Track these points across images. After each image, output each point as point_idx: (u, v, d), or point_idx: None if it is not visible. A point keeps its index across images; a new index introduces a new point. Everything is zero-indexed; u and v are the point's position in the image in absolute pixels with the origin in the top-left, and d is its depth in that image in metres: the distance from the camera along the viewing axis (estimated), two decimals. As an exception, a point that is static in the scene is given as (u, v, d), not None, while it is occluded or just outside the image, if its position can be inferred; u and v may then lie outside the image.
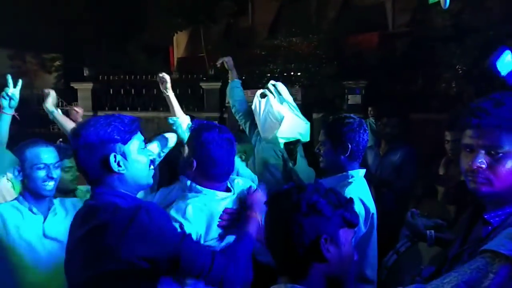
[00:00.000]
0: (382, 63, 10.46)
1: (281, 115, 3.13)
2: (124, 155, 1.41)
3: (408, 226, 1.86)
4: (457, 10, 9.09)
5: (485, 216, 1.21)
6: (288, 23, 11.71)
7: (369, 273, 1.98)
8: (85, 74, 12.24)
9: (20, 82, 2.48)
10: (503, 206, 1.20)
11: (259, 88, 10.47)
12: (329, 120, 2.29)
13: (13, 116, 2.41)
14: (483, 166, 1.20)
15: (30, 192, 2.06)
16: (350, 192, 1.96)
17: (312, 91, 10.03)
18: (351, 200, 1.25)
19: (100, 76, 11.73)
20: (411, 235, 1.84)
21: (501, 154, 1.17)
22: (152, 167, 1.51)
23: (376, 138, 4.51)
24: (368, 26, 12.22)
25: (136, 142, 1.45)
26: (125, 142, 1.42)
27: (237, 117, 3.57)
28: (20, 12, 12.79)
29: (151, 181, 1.52)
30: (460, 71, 9.62)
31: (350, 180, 2.05)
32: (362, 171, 2.13)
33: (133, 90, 11.46)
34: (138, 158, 1.45)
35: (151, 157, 1.50)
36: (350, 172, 2.08)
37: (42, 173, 2.01)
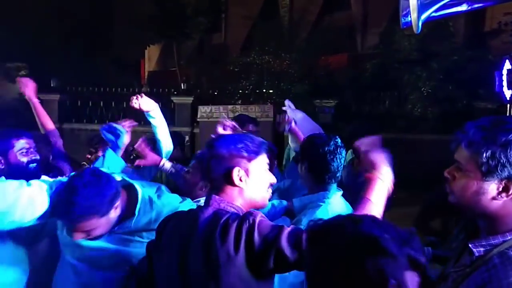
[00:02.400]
0: (352, 83, 10.73)
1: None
2: (247, 172, 1.49)
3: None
4: (423, 35, 9.47)
5: (470, 245, 1.20)
6: (260, 41, 11.86)
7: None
8: (52, 85, 11.91)
9: None
10: (488, 236, 1.19)
11: (231, 104, 10.48)
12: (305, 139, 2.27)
13: None
14: (447, 176, 1.25)
15: None
16: (323, 212, 1.93)
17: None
18: (413, 233, 0.98)
19: (68, 88, 11.46)
20: None
21: (463, 171, 1.20)
22: (270, 190, 1.58)
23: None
24: (338, 47, 12.54)
25: (260, 162, 1.53)
26: (250, 160, 1.51)
27: None
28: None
29: (267, 202, 1.59)
30: (425, 93, 10.00)
31: (325, 200, 2.03)
32: (339, 192, 2.12)
33: (101, 103, 11.23)
34: (259, 177, 1.53)
35: (271, 181, 1.57)
36: (326, 192, 2.06)
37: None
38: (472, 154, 1.17)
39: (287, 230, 1.35)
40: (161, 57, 17.23)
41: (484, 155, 1.14)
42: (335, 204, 2.03)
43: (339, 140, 2.12)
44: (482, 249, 1.18)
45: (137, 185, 1.89)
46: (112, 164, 2.32)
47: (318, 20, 14.74)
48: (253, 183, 1.51)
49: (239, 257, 1.32)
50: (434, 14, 2.43)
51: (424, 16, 2.37)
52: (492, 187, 1.17)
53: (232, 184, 1.47)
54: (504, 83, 6.15)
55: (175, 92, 11.31)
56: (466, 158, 1.19)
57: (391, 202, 3.60)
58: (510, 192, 1.15)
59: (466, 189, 1.20)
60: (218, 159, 1.49)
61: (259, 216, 1.38)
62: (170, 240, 1.50)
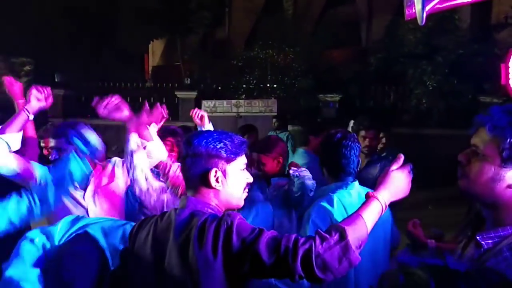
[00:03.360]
0: (356, 78, 10.67)
1: None
2: (224, 173, 1.46)
3: (409, 236, 1.86)
4: (428, 28, 9.39)
5: (477, 237, 1.17)
6: (264, 35, 11.81)
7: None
8: (56, 80, 11.94)
9: None
10: (497, 227, 1.16)
11: (235, 99, 10.46)
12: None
13: None
14: (461, 160, 1.21)
15: None
16: (329, 202, 2.00)
17: (288, 103, 10.11)
18: None
19: (72, 82, 11.47)
20: (412, 245, 1.84)
21: (481, 155, 1.17)
22: (246, 190, 1.54)
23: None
24: (342, 41, 12.47)
25: (238, 163, 1.49)
26: (228, 161, 1.46)
27: None
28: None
29: (242, 203, 1.55)
30: (431, 87, 9.92)
31: (336, 191, 2.07)
32: (354, 183, 2.14)
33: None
34: (236, 179, 1.49)
35: (248, 181, 1.53)
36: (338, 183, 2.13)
37: None
38: (495, 138, 1.14)
39: (266, 234, 1.29)
40: (165, 51, 17.20)
41: (508, 140, 1.11)
42: (345, 195, 2.05)
43: (354, 135, 2.16)
44: (490, 241, 1.15)
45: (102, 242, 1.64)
46: (75, 169, 2.26)
47: (322, 14, 14.65)
48: (230, 184, 1.47)
49: (218, 261, 1.29)
50: (439, 5, 2.40)
51: (428, 7, 2.35)
52: (509, 175, 1.13)
53: (208, 185, 1.44)
54: (510, 77, 6.10)
55: (179, 87, 11.31)
56: (487, 142, 1.15)
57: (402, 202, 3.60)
58: None
59: (482, 174, 1.16)
60: (195, 158, 1.44)
61: (238, 218, 1.34)
62: (144, 245, 1.45)
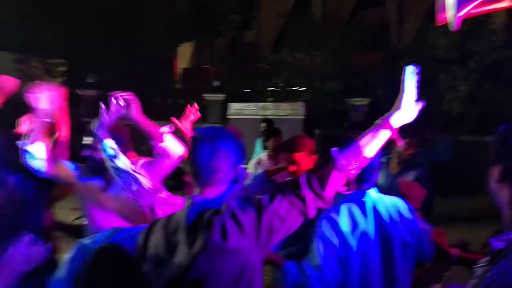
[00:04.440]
0: (385, 81, 10.50)
1: None
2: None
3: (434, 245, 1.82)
4: (461, 32, 9.16)
5: (489, 240, 1.17)
6: (292, 39, 11.80)
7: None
8: (89, 81, 12.31)
9: None
10: (509, 230, 1.14)
11: (261, 101, 10.49)
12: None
13: None
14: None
15: None
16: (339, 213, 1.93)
17: (315, 106, 10.06)
18: None
19: (104, 84, 11.80)
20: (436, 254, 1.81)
21: None
22: None
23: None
24: (372, 44, 12.31)
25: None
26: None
27: None
28: (27, 17, 12.92)
29: None
30: (463, 93, 9.66)
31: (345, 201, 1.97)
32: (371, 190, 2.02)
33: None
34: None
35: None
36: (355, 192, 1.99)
37: None
38: None
39: (265, 196, 1.42)
40: (193, 54, 17.45)
41: None
42: (356, 204, 1.96)
43: None
44: (499, 243, 1.13)
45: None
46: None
47: (352, 17, 14.52)
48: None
49: (230, 244, 1.36)
50: (473, 11, 2.35)
51: (461, 13, 2.30)
52: None
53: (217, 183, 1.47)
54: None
55: (207, 89, 11.44)
56: None
57: (429, 206, 3.50)
58: None
59: None
60: (224, 155, 1.46)
61: (235, 202, 1.43)
62: (157, 247, 1.47)
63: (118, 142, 2.25)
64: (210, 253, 1.36)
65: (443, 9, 2.63)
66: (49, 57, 15.02)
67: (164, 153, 2.21)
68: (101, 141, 2.15)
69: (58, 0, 12.70)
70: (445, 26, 2.72)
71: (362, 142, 1.51)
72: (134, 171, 2.14)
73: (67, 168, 2.37)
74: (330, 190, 1.45)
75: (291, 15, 14.25)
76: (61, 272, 1.70)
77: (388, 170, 3.66)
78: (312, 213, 1.44)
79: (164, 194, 2.19)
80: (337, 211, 1.93)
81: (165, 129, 2.25)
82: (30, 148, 2.22)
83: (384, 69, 11.27)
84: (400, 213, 1.99)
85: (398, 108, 1.58)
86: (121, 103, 2.14)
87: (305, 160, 2.58)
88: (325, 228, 1.89)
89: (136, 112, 2.17)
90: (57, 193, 2.82)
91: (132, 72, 12.33)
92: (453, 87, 9.72)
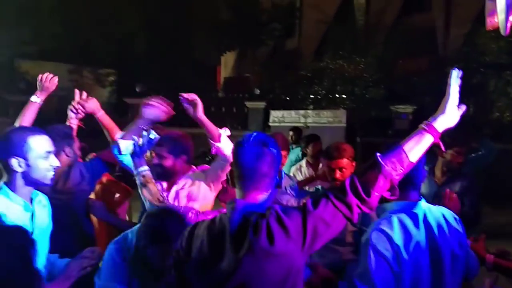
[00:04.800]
0: (432, 88, 10.19)
1: None
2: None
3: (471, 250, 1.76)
4: (514, 36, 8.74)
5: None
6: (335, 46, 11.71)
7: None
8: (137, 90, 12.80)
9: (84, 95, 2.68)
10: None
11: (303, 109, 10.45)
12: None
13: (78, 126, 2.64)
14: None
15: (28, 183, 1.81)
16: (389, 225, 1.82)
17: (357, 114, 9.92)
18: None
19: (151, 92, 12.22)
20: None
21: None
22: None
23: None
24: (418, 50, 11.99)
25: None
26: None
27: None
28: (81, 30, 13.66)
29: None
30: (516, 100, 9.21)
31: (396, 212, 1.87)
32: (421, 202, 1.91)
33: (180, 107, 11.83)
34: None
35: None
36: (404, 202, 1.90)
37: (46, 162, 1.82)
38: None
39: (308, 201, 1.44)
40: (236, 63, 17.71)
41: None
42: (408, 216, 1.91)
43: None
44: None
45: None
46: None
47: (396, 22, 14.21)
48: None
49: (276, 248, 1.38)
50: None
51: (513, 17, 2.21)
52: None
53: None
54: None
55: (249, 97, 11.57)
56: None
57: (477, 217, 3.36)
58: None
59: None
60: (275, 160, 1.51)
61: (279, 207, 1.45)
62: (201, 250, 1.49)
63: (183, 151, 2.46)
64: (256, 257, 1.38)
65: (494, 12, 2.54)
66: (99, 67, 15.79)
67: (219, 152, 2.36)
68: (138, 167, 2.35)
69: (109, 13, 13.32)
70: (496, 30, 2.62)
71: (407, 147, 1.49)
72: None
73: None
74: (375, 196, 1.45)
75: (333, 22, 14.17)
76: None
77: (432, 179, 3.55)
78: (356, 218, 1.45)
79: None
80: (389, 223, 1.83)
81: (224, 131, 2.40)
82: (121, 142, 2.38)
83: (430, 75, 10.94)
84: (449, 224, 1.90)
85: (443, 112, 1.54)
86: (188, 103, 2.38)
87: (346, 166, 2.60)
88: (377, 241, 1.79)
89: (201, 111, 2.36)
90: (120, 196, 3.02)
91: (178, 81, 12.68)
92: (505, 94, 9.28)
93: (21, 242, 1.51)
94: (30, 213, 1.84)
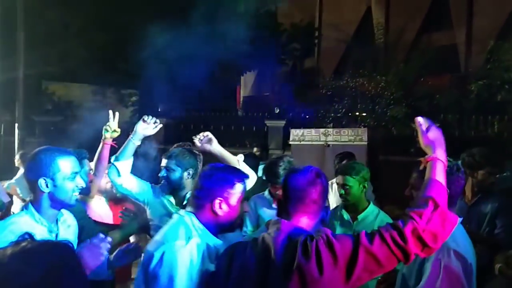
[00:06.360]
0: (455, 106, 10.02)
1: None
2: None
3: (504, 274, 1.71)
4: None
5: None
6: (354, 64, 11.71)
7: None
8: (159, 110, 13.02)
9: (117, 115, 2.80)
10: None
11: (323, 127, 10.38)
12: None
13: (111, 145, 2.75)
14: None
15: (54, 204, 1.81)
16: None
17: (379, 132, 9.81)
18: None
19: (172, 112, 12.42)
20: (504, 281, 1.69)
21: None
22: None
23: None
24: (439, 67, 11.87)
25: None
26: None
27: None
28: (105, 54, 14.09)
29: None
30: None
31: None
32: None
33: (202, 126, 11.96)
34: None
35: None
36: None
37: (72, 183, 1.83)
38: None
39: (362, 233, 1.41)
40: (255, 82, 17.88)
41: None
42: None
43: (458, 163, 1.95)
44: None
45: None
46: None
47: (417, 40, 14.15)
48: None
49: (325, 275, 1.36)
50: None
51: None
52: None
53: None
54: None
55: (268, 116, 11.60)
56: None
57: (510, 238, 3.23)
58: None
59: None
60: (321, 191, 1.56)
61: (329, 231, 1.44)
62: (245, 270, 1.48)
63: (191, 165, 2.57)
64: (302, 281, 1.37)
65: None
66: (122, 87, 16.16)
67: None
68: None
69: (131, 38, 13.69)
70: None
71: (437, 177, 1.50)
72: None
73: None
74: (439, 240, 1.39)
75: (353, 40, 14.20)
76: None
77: (462, 199, 3.45)
78: (411, 260, 1.40)
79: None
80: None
81: (240, 157, 2.52)
82: (118, 164, 2.49)
83: (453, 93, 10.78)
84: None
85: (432, 144, 1.59)
86: (202, 140, 2.54)
87: (356, 186, 2.68)
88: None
89: (216, 144, 2.50)
90: None
91: (198, 100, 12.86)
92: (530, 111, 9.06)
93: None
94: (55, 235, 1.85)
